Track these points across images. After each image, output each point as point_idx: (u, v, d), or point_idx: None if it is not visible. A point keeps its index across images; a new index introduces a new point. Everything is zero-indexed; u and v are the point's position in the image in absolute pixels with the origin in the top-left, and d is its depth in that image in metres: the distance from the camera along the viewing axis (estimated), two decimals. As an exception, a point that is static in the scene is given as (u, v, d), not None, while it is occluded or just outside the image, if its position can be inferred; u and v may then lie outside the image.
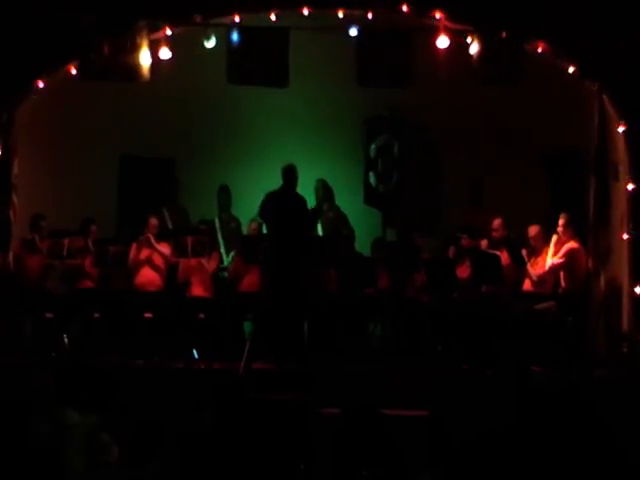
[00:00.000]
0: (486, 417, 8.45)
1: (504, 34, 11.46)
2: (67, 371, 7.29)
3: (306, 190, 12.54)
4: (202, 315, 11.99)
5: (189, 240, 11.98)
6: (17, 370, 10.34)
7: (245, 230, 12.99)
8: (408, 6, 11.51)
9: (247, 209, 13.29)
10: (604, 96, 11.40)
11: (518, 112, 13.19)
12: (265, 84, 12.96)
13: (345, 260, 12.11)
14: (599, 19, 11.20)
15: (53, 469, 6.60)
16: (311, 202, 12.90)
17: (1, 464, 6.54)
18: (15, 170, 11.72)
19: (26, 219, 12.06)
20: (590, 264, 11.39)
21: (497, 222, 12.09)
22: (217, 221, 13.38)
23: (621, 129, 11.31)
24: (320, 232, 13.07)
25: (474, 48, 11.60)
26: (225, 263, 12.99)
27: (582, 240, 11.47)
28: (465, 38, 11.61)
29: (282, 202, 11.48)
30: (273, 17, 11.77)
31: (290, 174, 11.54)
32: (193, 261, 12.20)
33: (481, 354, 11.03)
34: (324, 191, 13.35)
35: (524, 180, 13.40)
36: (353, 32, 11.89)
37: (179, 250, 12.10)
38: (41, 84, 11.79)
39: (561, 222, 11.45)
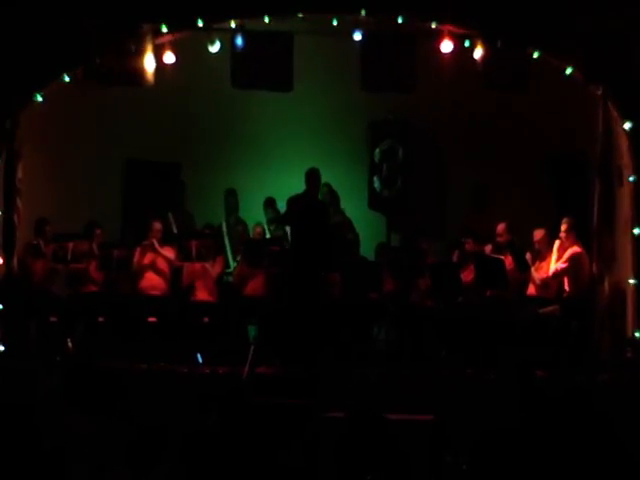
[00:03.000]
0: (490, 421, 8.45)
1: (508, 39, 11.47)
2: (73, 375, 7.30)
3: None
4: (206, 319, 12.01)
5: (193, 244, 12.00)
6: (22, 374, 10.35)
7: (250, 234, 12.99)
8: (412, 11, 11.55)
9: (252, 213, 13.32)
10: (608, 100, 11.40)
11: (522, 116, 13.21)
12: (269, 88, 12.97)
13: (350, 264, 12.11)
14: (602, 23, 11.21)
15: (58, 472, 6.61)
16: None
17: (6, 467, 6.55)
18: (19, 174, 11.73)
19: (30, 223, 12.07)
20: (594, 268, 11.39)
21: (501, 227, 12.08)
22: (224, 225, 13.39)
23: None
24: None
25: (478, 53, 11.62)
26: (232, 267, 12.99)
27: (585, 244, 11.47)
28: (469, 43, 11.65)
29: (306, 207, 11.55)
30: (277, 22, 11.80)
31: (314, 178, 11.62)
32: (197, 265, 12.22)
33: (485, 358, 11.03)
34: (329, 195, 13.36)
35: (529, 184, 13.42)
36: (357, 37, 11.93)
37: (183, 254, 12.12)
38: (46, 89, 11.80)
39: (564, 227, 11.45)
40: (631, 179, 11.27)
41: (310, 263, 11.33)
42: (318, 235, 11.51)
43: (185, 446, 6.97)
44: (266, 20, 11.75)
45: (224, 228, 13.35)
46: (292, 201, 11.85)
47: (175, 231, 13.19)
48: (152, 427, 6.97)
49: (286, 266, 11.70)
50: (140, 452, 6.78)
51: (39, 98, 11.79)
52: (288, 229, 12.61)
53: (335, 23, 11.78)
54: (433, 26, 11.67)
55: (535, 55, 11.57)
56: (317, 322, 11.48)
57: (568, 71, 11.49)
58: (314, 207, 11.66)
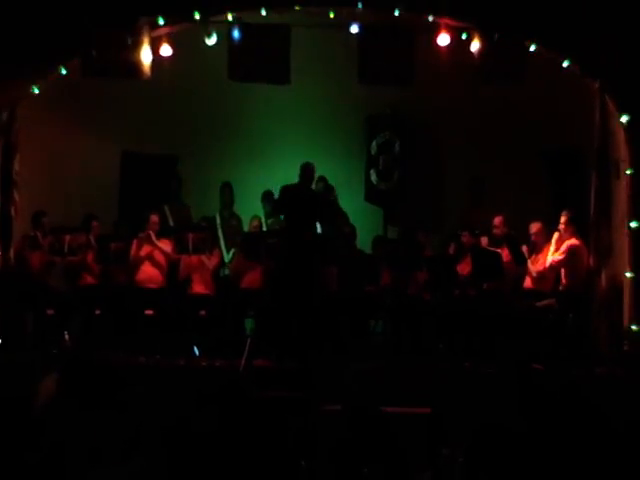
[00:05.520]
0: (487, 415, 8.45)
1: (505, 32, 11.47)
2: (70, 368, 7.28)
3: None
4: (203, 312, 12.01)
5: (190, 237, 12.00)
6: (18, 367, 10.34)
7: (247, 227, 12.99)
8: (408, 3, 11.57)
9: (248, 206, 13.31)
10: (605, 94, 11.41)
11: (519, 110, 13.21)
12: (266, 81, 12.93)
13: (346, 258, 12.12)
14: (600, 16, 11.21)
15: (56, 465, 6.61)
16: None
17: (2, 460, 6.54)
18: (16, 167, 11.73)
19: (28, 216, 12.07)
20: (591, 261, 11.40)
21: (498, 219, 12.10)
22: (218, 217, 13.38)
23: (624, 119, 11.29)
24: (319, 229, 13.10)
25: (475, 46, 11.61)
26: (226, 260, 12.99)
27: (583, 237, 11.48)
28: (467, 36, 11.64)
29: (298, 197, 11.58)
30: (274, 14, 11.80)
31: (308, 171, 11.66)
32: (194, 258, 12.22)
33: (482, 352, 11.04)
34: (325, 189, 13.36)
35: (525, 178, 13.43)
36: (354, 29, 11.91)
37: (180, 247, 12.12)
38: (42, 81, 11.79)
39: (563, 219, 11.46)
40: (628, 172, 11.28)
41: (302, 254, 11.36)
42: (310, 225, 11.57)
43: (182, 439, 6.96)
44: (263, 13, 11.75)
45: (218, 221, 13.34)
46: (286, 190, 11.91)
47: (172, 224, 13.19)
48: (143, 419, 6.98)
49: (280, 258, 11.73)
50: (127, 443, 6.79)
51: (36, 91, 11.78)
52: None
53: (332, 16, 11.79)
54: (430, 19, 11.68)
55: (532, 48, 11.57)
56: (312, 314, 11.52)
57: (565, 64, 11.50)
58: (308, 198, 11.70)
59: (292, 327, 11.24)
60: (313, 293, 11.47)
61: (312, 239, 11.63)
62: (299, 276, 11.32)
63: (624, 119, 11.30)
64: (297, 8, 11.72)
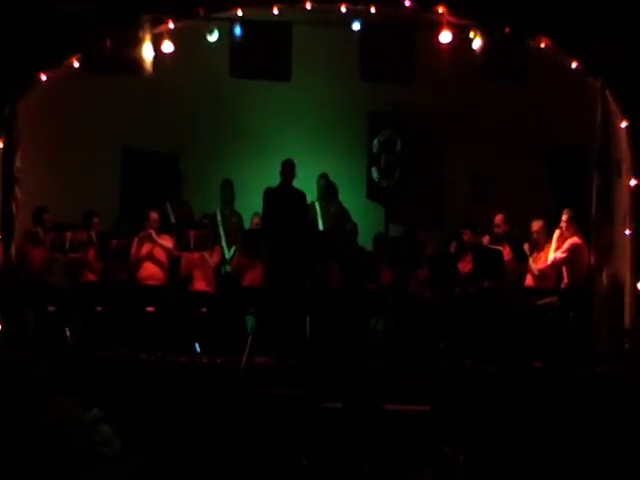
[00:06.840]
0: (488, 412, 8.46)
1: (507, 29, 11.46)
2: (71, 365, 7.30)
3: (309, 185, 12.57)
4: (204, 309, 12.00)
5: (192, 234, 11.99)
6: (19, 363, 10.35)
7: (248, 224, 12.98)
8: (411, 1, 11.55)
9: (250, 203, 13.29)
10: (607, 92, 11.40)
11: (521, 108, 13.18)
12: (268, 78, 12.94)
13: (348, 255, 12.11)
14: (603, 15, 11.20)
15: (53, 462, 6.61)
16: (313, 197, 12.95)
17: (1, 456, 6.55)
18: (18, 163, 11.72)
19: (29, 212, 12.06)
20: (592, 260, 11.39)
21: (499, 218, 12.09)
22: (219, 215, 13.37)
23: (624, 124, 11.31)
24: (321, 227, 13.10)
25: (477, 43, 11.61)
26: (227, 258, 12.98)
27: (585, 236, 11.48)
28: (468, 33, 11.63)
29: (281, 197, 11.57)
30: (276, 11, 11.80)
31: (288, 168, 11.65)
32: (196, 255, 12.21)
33: (483, 350, 11.04)
34: (327, 186, 13.35)
35: (527, 176, 13.40)
36: (356, 27, 11.91)
37: (182, 244, 12.12)
38: (44, 77, 11.79)
39: (564, 217, 11.45)
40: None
41: (290, 253, 11.38)
42: (295, 223, 11.58)
43: (183, 435, 6.97)
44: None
45: (219, 218, 13.33)
46: (269, 193, 11.94)
47: (173, 221, 13.18)
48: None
49: (269, 256, 11.75)
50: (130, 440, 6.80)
51: (37, 87, 11.78)
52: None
53: (334, 13, 11.79)
54: (432, 16, 11.67)
55: (534, 47, 11.56)
56: (306, 311, 11.53)
57: (567, 63, 11.49)
58: (288, 196, 11.73)
59: (292, 324, 11.25)
60: (306, 291, 11.48)
61: (301, 236, 11.61)
62: (288, 275, 11.33)
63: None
64: (301, 6, 11.72)
